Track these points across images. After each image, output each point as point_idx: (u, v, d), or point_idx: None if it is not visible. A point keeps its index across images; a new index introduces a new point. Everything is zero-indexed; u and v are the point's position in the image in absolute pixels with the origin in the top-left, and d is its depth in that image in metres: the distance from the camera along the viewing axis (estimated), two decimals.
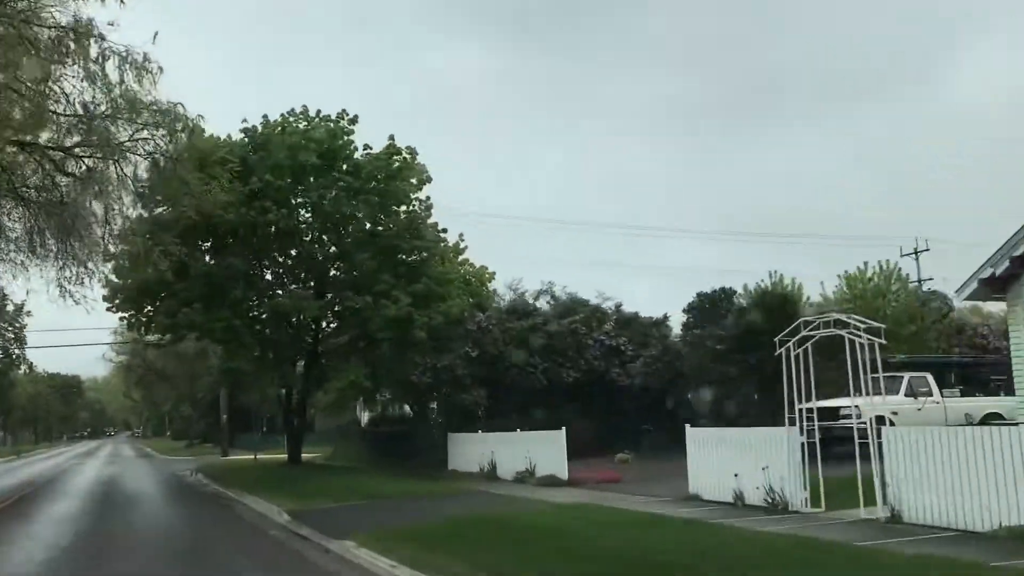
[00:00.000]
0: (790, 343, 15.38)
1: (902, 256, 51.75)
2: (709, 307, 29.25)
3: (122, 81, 20.90)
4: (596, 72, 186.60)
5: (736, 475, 16.00)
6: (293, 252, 31.27)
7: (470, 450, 28.17)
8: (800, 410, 26.49)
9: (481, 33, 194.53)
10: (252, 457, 42.49)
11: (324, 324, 32.12)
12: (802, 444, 15.07)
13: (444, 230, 32.28)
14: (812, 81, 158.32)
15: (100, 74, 20.77)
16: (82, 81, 20.87)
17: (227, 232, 29.52)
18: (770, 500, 15.13)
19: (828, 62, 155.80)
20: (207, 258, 29.31)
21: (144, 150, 23.31)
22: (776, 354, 15.68)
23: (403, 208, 31.89)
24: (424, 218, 31.90)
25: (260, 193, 28.91)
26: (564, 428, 22.73)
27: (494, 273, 33.35)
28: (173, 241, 25.34)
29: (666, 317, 33.87)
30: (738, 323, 26.61)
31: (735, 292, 30.11)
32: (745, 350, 25.28)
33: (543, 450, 23.51)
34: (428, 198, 32.35)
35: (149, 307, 31.24)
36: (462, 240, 32.61)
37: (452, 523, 15.05)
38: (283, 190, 29.41)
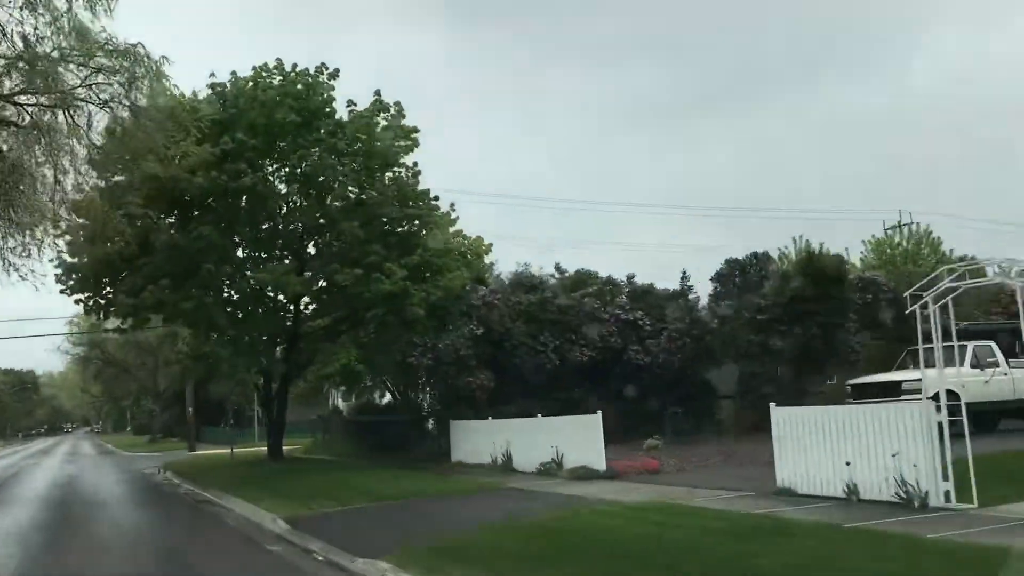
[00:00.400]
0: (926, 298, 12.37)
1: (886, 230, 50.34)
2: (739, 275, 26.25)
3: (70, 8, 17.45)
4: (556, 61, 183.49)
5: (848, 464, 13.05)
6: (270, 222, 27.84)
7: (477, 439, 25.09)
8: (852, 386, 23.99)
9: (437, 18, 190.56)
10: (227, 452, 39.08)
11: (306, 303, 28.79)
12: (940, 425, 12.09)
13: (436, 198, 29.06)
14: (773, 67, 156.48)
15: None
16: (21, 10, 17.42)
17: (196, 200, 26.10)
18: (903, 494, 12.18)
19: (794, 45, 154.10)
20: (173, 230, 25.76)
21: (99, 98, 19.95)
22: (907, 312, 12.71)
23: (390, 173, 28.66)
24: (413, 185, 28.68)
25: (232, 155, 25.49)
26: (599, 412, 19.71)
27: (491, 245, 30.07)
28: (135, 203, 21.90)
29: (685, 289, 31.02)
30: (781, 291, 23.72)
31: (769, 258, 27.20)
32: (790, 320, 22.44)
33: (573, 438, 20.49)
34: (415, 164, 29.16)
35: (108, 288, 27.81)
36: (453, 210, 29.30)
37: (503, 533, 11.99)
38: (258, 151, 26.01)
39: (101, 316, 29.12)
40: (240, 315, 27.00)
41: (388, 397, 39.38)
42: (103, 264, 25.99)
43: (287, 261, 26.84)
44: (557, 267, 30.73)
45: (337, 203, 27.46)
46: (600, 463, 19.33)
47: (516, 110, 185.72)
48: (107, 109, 20.14)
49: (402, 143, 28.35)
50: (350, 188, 27.19)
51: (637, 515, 12.79)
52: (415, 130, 28.57)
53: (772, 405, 14.78)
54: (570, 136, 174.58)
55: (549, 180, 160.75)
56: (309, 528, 14.46)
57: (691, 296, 30.53)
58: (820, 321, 23.50)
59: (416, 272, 26.28)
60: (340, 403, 58.95)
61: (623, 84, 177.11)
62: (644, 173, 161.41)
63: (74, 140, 19.82)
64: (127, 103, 19.84)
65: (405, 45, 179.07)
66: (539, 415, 22.51)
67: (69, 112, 19.37)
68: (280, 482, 22.76)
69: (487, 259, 30.98)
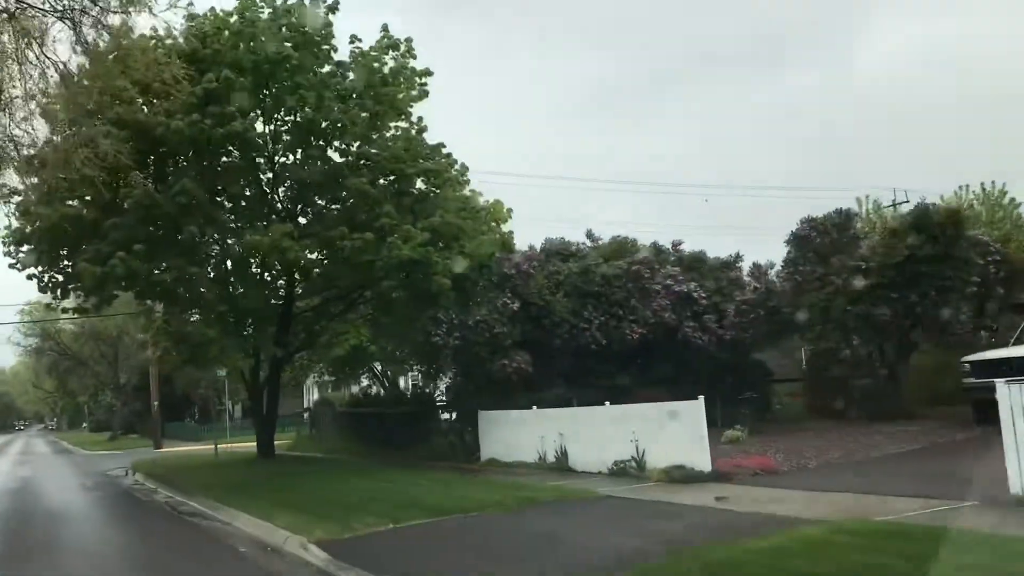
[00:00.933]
0: None
1: (879, 208, 47.54)
2: (820, 237, 22.31)
3: None
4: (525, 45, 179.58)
5: None
6: (262, 178, 23.59)
7: (516, 433, 21.10)
8: (970, 363, 20.35)
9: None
10: (201, 449, 34.88)
11: (304, 274, 24.57)
12: None
13: (449, 154, 24.90)
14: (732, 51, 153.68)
15: None
16: None
17: (173, 150, 21.81)
18: None
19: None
20: (148, 184, 21.31)
21: (57, 8, 15.75)
22: None
23: (399, 123, 24.57)
24: (419, 140, 24.55)
25: (216, 96, 21.23)
26: (701, 397, 15.76)
27: (511, 210, 25.79)
28: (105, 129, 17.65)
29: (736, 257, 27.14)
30: (891, 250, 19.88)
31: (854, 214, 23.32)
32: (904, 285, 18.70)
33: (657, 430, 16.53)
34: (420, 119, 25.04)
35: (67, 262, 23.46)
36: (465, 170, 24.93)
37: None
38: (248, 93, 21.73)
39: (58, 295, 24.61)
40: (231, 288, 22.66)
41: (383, 387, 35.61)
42: (61, 230, 21.63)
43: (285, 222, 22.48)
44: (589, 234, 26.66)
45: (340, 156, 23.29)
46: (703, 462, 15.37)
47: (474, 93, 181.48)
48: (66, 22, 15.98)
49: (413, 91, 24.30)
50: (356, 140, 22.96)
51: (841, 540, 8.87)
52: (427, 73, 24.44)
53: (1000, 384, 10.79)
54: (519, 120, 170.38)
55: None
56: (362, 559, 10.40)
57: (738, 264, 26.73)
58: (939, 285, 19.75)
59: (437, 237, 22.23)
60: (316, 395, 54.80)
61: (574, 72, 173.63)
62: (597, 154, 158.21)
63: (21, 60, 15.52)
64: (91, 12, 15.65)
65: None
66: (607, 403, 18.47)
67: (14, 19, 15.04)
68: (286, 488, 18.65)
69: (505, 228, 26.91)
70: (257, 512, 15.24)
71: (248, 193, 23.16)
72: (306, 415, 43.76)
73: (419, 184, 23.96)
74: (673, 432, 16.09)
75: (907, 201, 51.72)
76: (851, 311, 20.59)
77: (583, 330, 22.89)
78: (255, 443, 27.16)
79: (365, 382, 41.16)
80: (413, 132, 24.50)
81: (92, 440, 67.95)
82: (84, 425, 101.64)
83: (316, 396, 55.28)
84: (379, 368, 34.80)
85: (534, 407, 20.85)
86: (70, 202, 21.67)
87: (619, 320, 23.37)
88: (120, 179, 21.16)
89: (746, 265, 26.40)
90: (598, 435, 18.04)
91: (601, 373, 23.48)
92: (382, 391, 34.92)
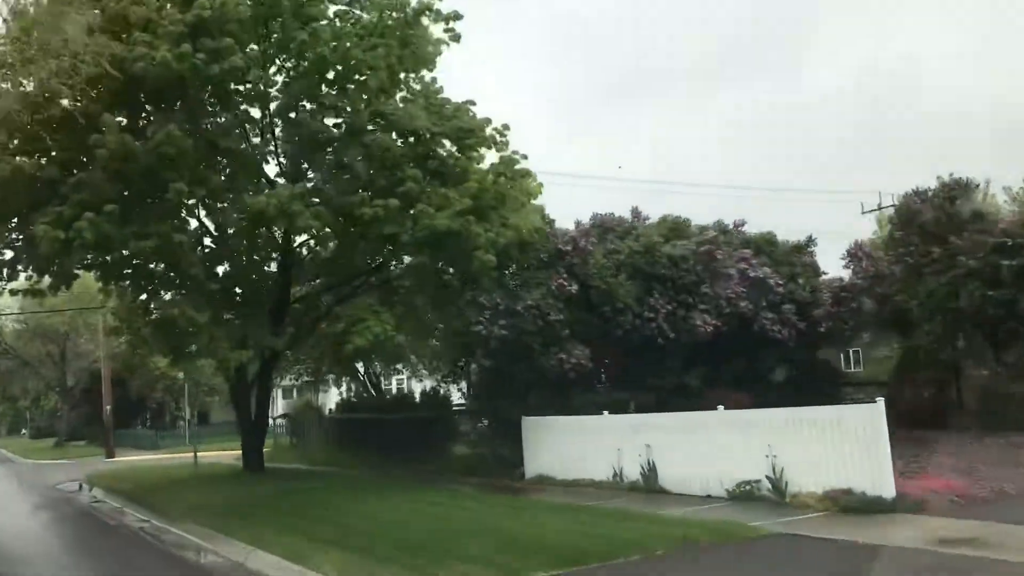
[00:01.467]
0: None
1: (864, 212, 44.78)
2: (933, 212, 18.73)
3: None
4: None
5: None
6: (263, 129, 19.56)
7: (575, 444, 17.30)
8: None
9: None
10: (157, 459, 30.57)
11: (311, 248, 20.56)
12: None
13: (474, 116, 20.92)
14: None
15: None
16: None
17: (155, 93, 17.69)
18: None
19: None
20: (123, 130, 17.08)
21: None
22: None
23: (423, 74, 20.75)
24: (438, 100, 20.66)
25: (207, 30, 17.18)
26: (881, 401, 12.06)
27: (541, 184, 21.82)
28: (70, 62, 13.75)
29: (811, 240, 23.58)
30: None
31: (974, 184, 19.76)
32: None
33: (804, 442, 12.82)
34: (435, 80, 21.21)
35: (17, 234, 19.36)
36: (505, 130, 20.82)
37: None
38: (244, 25, 17.69)
39: (4, 276, 20.28)
40: (224, 262, 18.54)
41: (368, 391, 31.53)
42: (11, 191, 17.44)
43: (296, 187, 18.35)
44: (635, 211, 22.79)
45: (357, 109, 19.28)
46: (884, 485, 11.61)
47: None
48: None
49: (446, 43, 20.32)
50: (376, 88, 19.03)
51: None
52: (457, 17, 20.42)
53: None
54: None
55: None
56: None
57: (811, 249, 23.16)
58: None
59: (477, 205, 18.42)
60: (280, 400, 50.32)
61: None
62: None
63: None
64: None
65: None
66: (720, 407, 14.66)
67: None
68: (301, 511, 14.71)
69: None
70: (280, 547, 11.27)
71: (243, 148, 18.99)
72: (278, 421, 39.25)
73: (447, 145, 20.00)
74: (828, 445, 12.40)
75: (893, 205, 49.28)
76: (991, 297, 17.11)
77: (648, 320, 19.10)
78: (234, 452, 23.05)
79: (340, 387, 37.07)
80: (435, 87, 20.71)
81: (34, 447, 62.26)
82: (23, 432, 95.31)
83: (281, 402, 50.85)
84: (362, 369, 30.87)
85: (606, 412, 17.00)
86: (21, 158, 17.48)
87: (687, 309, 19.61)
88: (86, 127, 17.10)
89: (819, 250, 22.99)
90: (705, 447, 14.29)
91: (662, 371, 19.75)
92: (365, 395, 30.96)
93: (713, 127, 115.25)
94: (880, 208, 49.52)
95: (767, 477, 12.99)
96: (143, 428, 59.75)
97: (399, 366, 33.26)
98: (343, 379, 29.49)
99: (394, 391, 35.40)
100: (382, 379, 32.29)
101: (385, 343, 17.32)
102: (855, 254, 21.16)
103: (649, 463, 15.21)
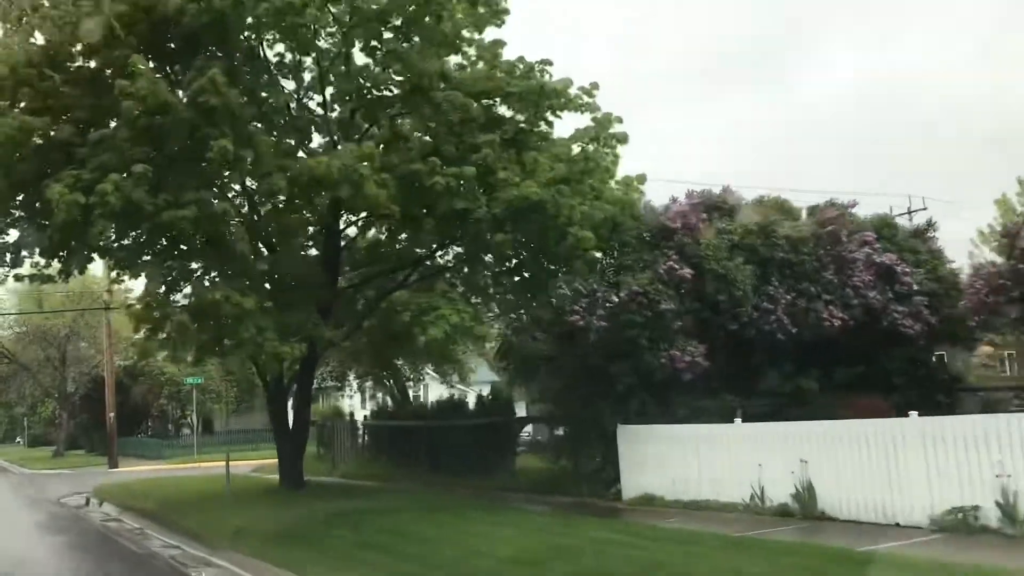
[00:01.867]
0: None
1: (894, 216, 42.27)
2: None
3: None
4: None
5: None
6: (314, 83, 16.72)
7: (695, 458, 14.41)
8: None
9: None
10: (159, 469, 27.59)
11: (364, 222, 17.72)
12: None
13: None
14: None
15: None
16: None
17: (190, 38, 14.87)
18: None
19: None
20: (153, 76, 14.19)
21: None
22: None
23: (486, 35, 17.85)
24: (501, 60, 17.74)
25: None
26: None
27: (644, 176, 18.48)
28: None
29: (931, 224, 20.76)
30: None
31: None
32: None
33: None
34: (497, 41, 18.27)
35: (20, 212, 16.60)
36: (594, 89, 17.75)
37: None
38: None
39: (7, 262, 17.34)
40: (273, 239, 15.67)
41: (394, 398, 28.70)
42: (21, 152, 14.71)
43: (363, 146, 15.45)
44: (725, 189, 19.80)
45: (418, 69, 16.36)
46: None
47: None
48: None
49: None
50: (452, 34, 16.24)
51: None
52: None
53: None
54: None
55: None
56: None
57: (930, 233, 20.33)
58: None
59: (567, 173, 15.64)
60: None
61: None
62: None
63: None
64: None
65: None
66: (915, 413, 11.82)
67: None
68: (376, 541, 11.84)
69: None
70: None
71: (293, 107, 16.15)
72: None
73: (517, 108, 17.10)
74: None
75: (924, 208, 46.39)
76: None
77: (766, 311, 16.24)
78: (247, 463, 20.13)
79: (366, 393, 34.18)
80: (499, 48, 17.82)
81: (30, 457, 59.05)
82: (18, 440, 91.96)
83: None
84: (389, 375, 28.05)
85: (738, 420, 14.12)
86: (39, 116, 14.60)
87: (809, 299, 16.72)
88: (109, 79, 14.36)
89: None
90: (887, 464, 11.42)
91: (775, 372, 16.87)
92: (398, 401, 28.11)
93: (713, 128, 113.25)
94: (909, 212, 46.90)
95: (998, 503, 10.11)
96: (145, 436, 56.72)
97: (429, 370, 30.58)
98: (387, 381, 26.54)
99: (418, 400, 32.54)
100: (409, 385, 29.50)
101: (466, 332, 14.46)
102: (1009, 232, 18.09)
103: (805, 482, 12.33)
